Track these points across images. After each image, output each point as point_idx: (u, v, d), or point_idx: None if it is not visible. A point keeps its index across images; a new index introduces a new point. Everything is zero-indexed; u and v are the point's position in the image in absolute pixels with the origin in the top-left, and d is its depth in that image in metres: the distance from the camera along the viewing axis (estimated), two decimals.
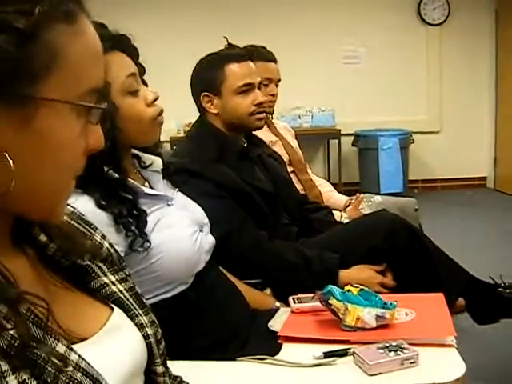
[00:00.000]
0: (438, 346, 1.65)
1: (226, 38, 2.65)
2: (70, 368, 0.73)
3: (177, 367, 1.12)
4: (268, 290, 2.21)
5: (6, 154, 0.73)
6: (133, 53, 1.68)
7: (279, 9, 7.57)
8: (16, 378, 0.67)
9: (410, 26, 7.85)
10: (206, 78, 2.43)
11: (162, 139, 1.80)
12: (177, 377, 1.13)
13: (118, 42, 1.64)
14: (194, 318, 1.73)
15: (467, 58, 7.91)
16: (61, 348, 0.74)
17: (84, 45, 0.78)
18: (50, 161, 0.76)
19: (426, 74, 7.92)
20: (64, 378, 0.72)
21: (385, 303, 1.73)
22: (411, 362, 1.54)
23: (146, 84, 1.73)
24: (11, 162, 0.73)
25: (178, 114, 6.43)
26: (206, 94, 2.42)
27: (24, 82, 0.72)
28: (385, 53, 7.75)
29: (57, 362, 0.71)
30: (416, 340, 1.64)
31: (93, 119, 0.81)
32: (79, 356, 0.76)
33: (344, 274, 2.24)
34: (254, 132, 2.62)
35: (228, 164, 2.34)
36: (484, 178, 8.14)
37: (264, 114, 2.49)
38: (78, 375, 0.74)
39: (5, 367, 0.67)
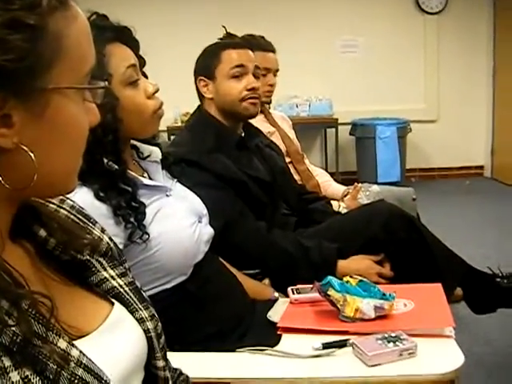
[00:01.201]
0: (436, 336, 1.65)
1: (224, 27, 2.66)
2: (72, 364, 0.74)
3: (176, 359, 1.12)
4: (266, 281, 2.21)
5: (26, 149, 0.74)
6: (134, 45, 1.69)
7: None
8: (19, 373, 0.68)
9: (408, 15, 7.84)
10: (203, 63, 2.46)
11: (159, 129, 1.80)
12: (176, 369, 1.13)
13: (119, 34, 1.65)
14: (193, 309, 1.73)
15: (465, 46, 7.89)
16: (62, 344, 0.74)
17: (79, 28, 0.79)
18: (64, 144, 0.79)
19: (424, 63, 7.92)
20: (66, 374, 0.72)
21: (383, 294, 1.74)
22: (410, 353, 1.54)
23: (146, 76, 1.73)
24: (33, 155, 0.74)
25: (176, 104, 6.44)
26: (202, 78, 2.44)
27: (39, 75, 0.73)
28: (382, 42, 7.74)
29: (58, 358, 0.72)
30: (415, 331, 1.64)
31: (92, 98, 0.84)
32: (80, 352, 0.76)
33: (342, 264, 2.24)
34: (251, 122, 2.62)
35: (226, 154, 2.34)
36: (481, 167, 8.15)
37: (257, 101, 2.48)
38: (80, 371, 0.74)
39: (7, 363, 0.67)
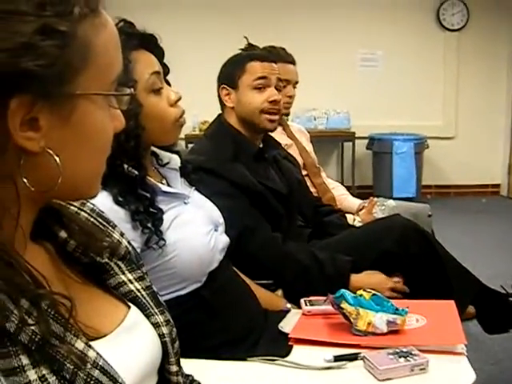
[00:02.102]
0: (448, 353, 1.65)
1: (246, 37, 2.68)
2: (88, 365, 0.74)
3: (188, 365, 1.13)
4: (279, 292, 2.21)
5: (52, 152, 0.75)
6: (158, 52, 1.71)
7: (298, 11, 7.57)
8: (36, 372, 0.69)
9: (429, 31, 7.83)
10: (228, 72, 2.47)
11: None
12: (188, 375, 1.14)
13: (145, 41, 1.67)
14: (206, 316, 1.74)
15: (485, 64, 7.87)
16: (80, 345, 0.75)
17: (108, 34, 0.80)
18: (89, 148, 0.80)
19: (443, 80, 7.90)
20: (82, 375, 0.73)
21: (396, 309, 1.74)
22: (421, 369, 1.54)
23: (169, 84, 1.75)
24: (58, 159, 0.76)
25: (194, 112, 6.46)
26: (225, 86, 2.45)
27: (67, 81, 0.74)
28: (402, 57, 7.73)
29: (75, 358, 0.73)
30: (426, 347, 1.64)
31: (118, 104, 0.85)
32: (97, 353, 0.77)
33: (355, 278, 2.24)
34: (270, 133, 2.63)
35: (244, 164, 2.34)
36: (498, 186, 8.11)
37: (277, 117, 2.49)
38: (96, 372, 0.75)
39: (25, 361, 0.68)
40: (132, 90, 0.85)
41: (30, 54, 0.70)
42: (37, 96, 0.72)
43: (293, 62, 3.31)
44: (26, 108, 0.72)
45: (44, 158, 0.75)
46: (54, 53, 0.72)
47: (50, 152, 0.75)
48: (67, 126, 0.76)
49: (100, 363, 0.76)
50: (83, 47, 0.75)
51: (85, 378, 0.73)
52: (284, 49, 3.31)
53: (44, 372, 0.70)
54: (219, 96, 2.49)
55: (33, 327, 0.70)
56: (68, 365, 0.72)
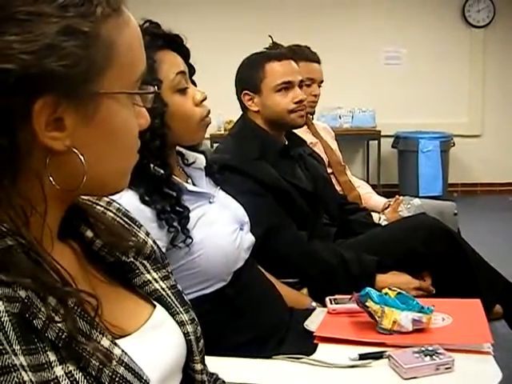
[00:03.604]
0: (474, 352, 1.64)
1: (270, 36, 2.68)
2: (114, 362, 0.75)
3: (213, 363, 1.13)
4: (305, 290, 2.22)
5: (77, 152, 0.76)
6: (184, 53, 1.72)
7: (323, 10, 7.56)
8: (63, 368, 0.70)
9: (454, 28, 7.77)
10: (247, 76, 2.45)
11: None
12: (213, 374, 1.15)
13: (170, 41, 1.68)
14: (231, 315, 1.75)
15: (511, 61, 7.79)
16: (105, 342, 0.76)
17: (131, 33, 0.80)
18: (114, 146, 0.81)
19: (469, 77, 7.84)
20: (107, 372, 0.74)
21: (422, 307, 1.73)
22: (446, 368, 1.53)
23: (195, 84, 1.76)
24: (82, 158, 0.77)
25: (219, 112, 6.47)
26: (247, 92, 2.44)
27: (91, 80, 0.75)
28: (427, 54, 7.68)
29: (101, 355, 0.74)
30: (452, 345, 1.63)
31: (143, 102, 0.85)
32: (122, 351, 0.78)
33: (381, 278, 2.24)
34: (295, 131, 2.63)
35: (269, 162, 2.35)
36: None
37: (304, 112, 2.49)
38: (121, 369, 0.76)
39: (52, 358, 0.70)
40: (156, 88, 0.86)
41: (53, 54, 0.71)
42: (61, 96, 0.73)
43: (318, 61, 3.31)
44: (50, 108, 0.73)
45: (69, 157, 0.76)
46: (78, 53, 0.72)
47: (76, 152, 0.76)
48: (92, 125, 0.77)
49: (125, 360, 0.77)
50: (106, 47, 0.76)
51: (110, 374, 0.74)
52: (309, 47, 3.31)
53: (71, 368, 0.71)
54: (240, 100, 2.49)
55: (59, 324, 0.71)
56: (94, 361, 0.72)
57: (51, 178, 0.77)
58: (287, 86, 2.41)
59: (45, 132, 0.74)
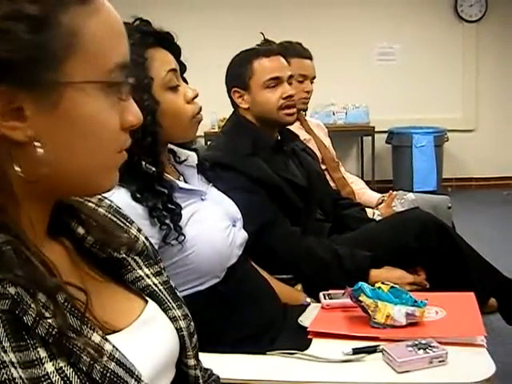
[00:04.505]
0: (467, 345, 1.65)
1: (262, 33, 2.67)
2: (105, 358, 0.75)
3: (207, 359, 1.13)
4: (299, 286, 2.22)
5: (36, 143, 0.74)
6: (175, 50, 1.72)
7: (315, 7, 7.54)
8: (53, 364, 0.70)
9: (447, 23, 7.78)
10: (236, 73, 2.46)
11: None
12: (207, 369, 1.15)
13: (161, 39, 1.68)
14: (225, 311, 1.75)
15: (504, 55, 7.80)
16: (96, 338, 0.76)
17: (101, 23, 0.78)
18: (83, 141, 0.78)
19: (462, 72, 7.84)
20: (98, 367, 0.74)
21: (415, 301, 1.74)
22: (440, 361, 1.54)
23: (186, 82, 1.76)
24: (41, 150, 0.74)
25: (213, 110, 6.47)
26: (236, 89, 2.45)
27: (46, 68, 0.73)
28: (420, 50, 7.69)
29: (92, 351, 0.74)
30: (445, 339, 1.64)
31: (124, 95, 0.82)
32: (113, 346, 0.78)
33: (375, 273, 2.24)
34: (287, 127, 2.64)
35: (262, 158, 2.35)
36: None
37: (294, 109, 2.49)
38: (112, 365, 0.76)
39: (43, 354, 0.70)
40: (132, 79, 0.83)
41: (1, 40, 0.70)
42: (16, 85, 0.72)
43: (310, 57, 3.31)
44: (5, 97, 0.72)
45: (32, 148, 0.74)
46: (27, 38, 0.71)
47: (36, 143, 0.74)
48: (55, 116, 0.75)
49: (116, 356, 0.77)
50: (67, 34, 0.74)
51: (101, 370, 0.74)
52: (300, 44, 3.31)
53: (61, 364, 0.71)
54: (230, 97, 2.48)
55: (50, 320, 0.71)
56: (84, 357, 0.72)
57: (18, 169, 0.75)
58: (276, 82, 2.41)
59: (2, 122, 0.73)
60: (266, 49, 2.49)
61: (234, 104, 2.49)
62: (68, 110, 0.75)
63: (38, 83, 0.73)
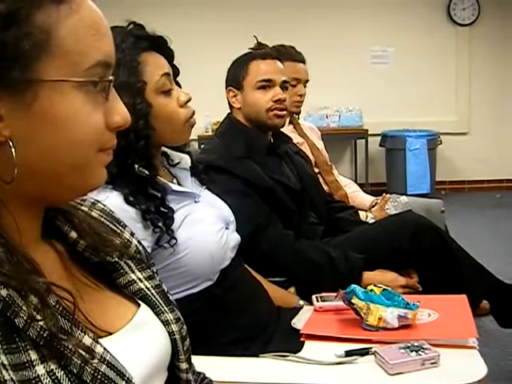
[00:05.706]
0: (459, 347, 1.65)
1: (255, 37, 2.69)
2: (96, 360, 0.75)
3: (200, 362, 1.13)
4: (292, 289, 2.23)
5: (10, 143, 0.74)
6: (168, 54, 1.72)
7: (309, 10, 7.55)
8: (44, 367, 0.70)
9: (439, 26, 7.79)
10: (233, 73, 2.49)
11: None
12: (200, 373, 1.15)
13: (154, 43, 1.69)
14: (218, 314, 1.75)
15: (497, 58, 7.83)
16: (87, 340, 0.76)
17: (78, 21, 0.76)
18: (60, 139, 0.76)
19: (455, 75, 7.86)
20: (89, 370, 0.74)
21: (407, 303, 1.74)
22: (432, 363, 1.55)
23: (179, 85, 1.77)
24: (13, 150, 0.74)
25: (207, 113, 6.48)
26: (231, 88, 2.47)
27: (17, 66, 0.72)
28: (413, 53, 7.70)
29: (83, 353, 0.74)
30: (438, 341, 1.65)
31: (108, 94, 0.80)
32: (104, 349, 0.78)
33: (368, 275, 2.25)
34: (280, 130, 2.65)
35: (255, 160, 2.36)
36: None
37: (284, 113, 2.50)
38: (103, 367, 0.75)
39: (34, 356, 0.70)
40: (112, 77, 0.81)
41: None
42: None
43: (303, 61, 3.32)
44: None
45: (10, 148, 0.74)
46: None
47: (9, 142, 0.73)
48: (31, 115, 0.74)
49: (107, 358, 0.77)
50: (41, 32, 0.73)
51: (92, 372, 0.74)
52: (293, 47, 3.32)
53: (52, 367, 0.71)
54: (227, 98, 2.51)
55: (41, 323, 0.71)
56: (75, 359, 0.72)
57: None
58: (268, 85, 2.43)
59: None
60: (265, 52, 2.52)
61: (229, 104, 2.52)
62: (44, 108, 0.74)
63: (9, 82, 0.72)
